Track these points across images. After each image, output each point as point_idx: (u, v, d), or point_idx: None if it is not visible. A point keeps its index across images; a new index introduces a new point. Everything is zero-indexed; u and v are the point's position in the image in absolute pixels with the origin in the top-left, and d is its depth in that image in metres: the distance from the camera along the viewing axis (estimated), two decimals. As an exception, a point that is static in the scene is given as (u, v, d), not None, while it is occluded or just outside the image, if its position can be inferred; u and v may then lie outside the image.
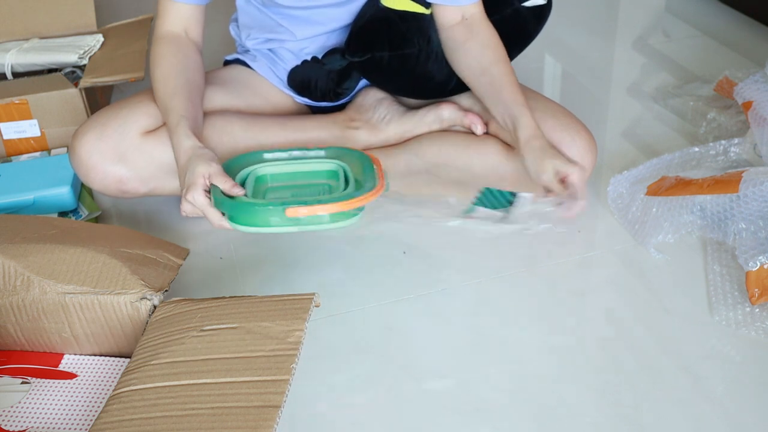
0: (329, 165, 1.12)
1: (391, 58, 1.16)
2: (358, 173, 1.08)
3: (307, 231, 1.03)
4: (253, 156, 1.13)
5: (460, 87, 1.20)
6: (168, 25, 1.15)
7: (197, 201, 1.00)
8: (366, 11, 1.17)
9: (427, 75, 1.19)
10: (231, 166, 1.09)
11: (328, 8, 1.17)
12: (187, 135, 1.05)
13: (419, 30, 1.16)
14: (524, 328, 1.00)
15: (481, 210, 1.15)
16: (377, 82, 1.24)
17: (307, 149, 1.14)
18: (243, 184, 1.07)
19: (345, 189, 1.06)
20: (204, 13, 1.18)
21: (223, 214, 1.01)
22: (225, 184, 1.00)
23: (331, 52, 1.20)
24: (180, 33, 1.16)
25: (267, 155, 1.13)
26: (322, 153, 1.14)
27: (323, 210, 0.99)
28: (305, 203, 0.98)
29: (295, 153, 1.14)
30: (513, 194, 1.15)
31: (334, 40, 1.22)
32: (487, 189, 1.16)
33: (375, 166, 1.08)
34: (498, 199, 1.16)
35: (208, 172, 1.00)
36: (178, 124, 1.06)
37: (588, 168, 1.13)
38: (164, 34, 1.15)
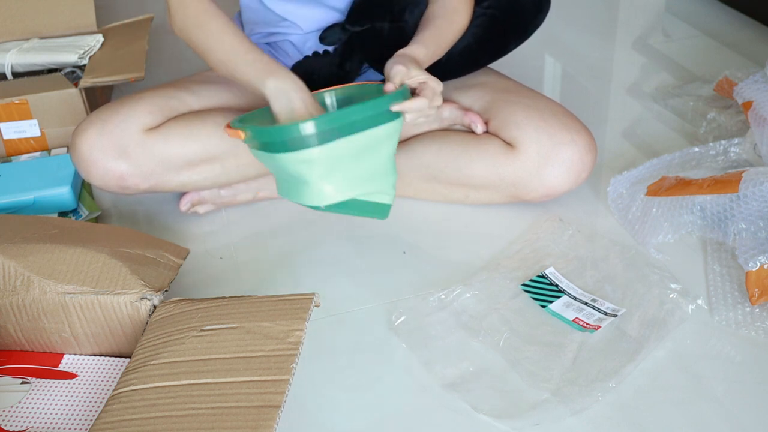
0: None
1: (391, 30, 1.16)
2: None
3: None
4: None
5: (450, 65, 1.18)
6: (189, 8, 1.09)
7: None
8: None
9: None
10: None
11: None
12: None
13: (416, 3, 1.16)
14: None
15: None
16: (375, 58, 1.22)
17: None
18: None
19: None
20: None
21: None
22: None
23: (330, 27, 1.20)
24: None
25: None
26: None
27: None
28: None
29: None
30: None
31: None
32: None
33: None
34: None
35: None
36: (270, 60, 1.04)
37: (588, 168, 1.13)
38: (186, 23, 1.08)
